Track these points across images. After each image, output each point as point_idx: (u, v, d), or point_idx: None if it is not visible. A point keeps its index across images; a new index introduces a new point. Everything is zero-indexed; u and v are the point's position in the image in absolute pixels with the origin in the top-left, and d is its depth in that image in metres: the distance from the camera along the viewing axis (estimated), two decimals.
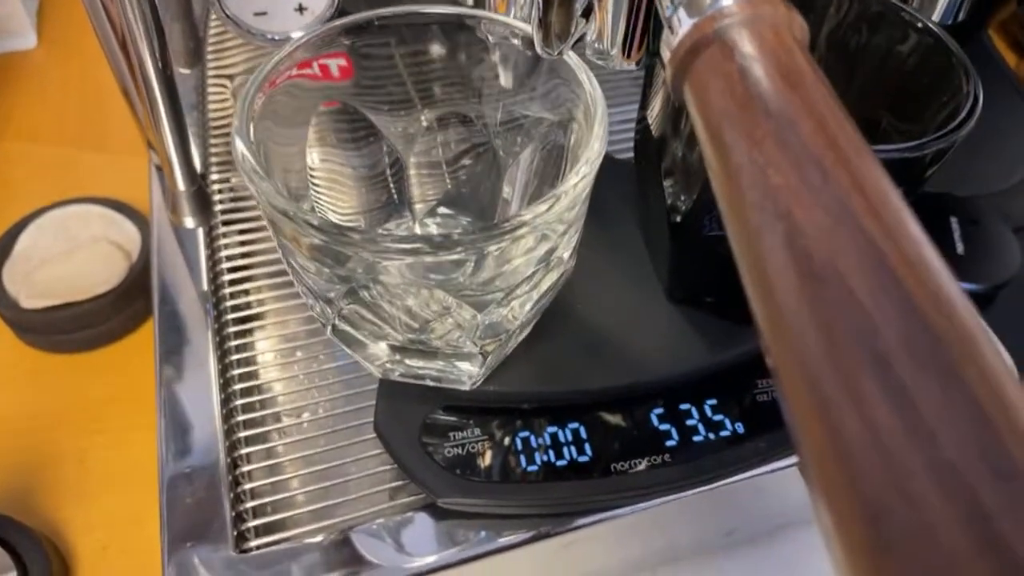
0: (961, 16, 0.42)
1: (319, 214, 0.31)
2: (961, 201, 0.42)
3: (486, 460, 0.31)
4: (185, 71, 0.46)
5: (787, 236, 0.15)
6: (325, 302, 0.26)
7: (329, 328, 0.28)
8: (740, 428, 0.32)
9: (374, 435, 0.32)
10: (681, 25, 0.19)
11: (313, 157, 0.32)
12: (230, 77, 0.45)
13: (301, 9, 0.37)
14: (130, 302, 0.47)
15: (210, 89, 0.46)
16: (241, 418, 0.35)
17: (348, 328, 0.27)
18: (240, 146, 0.24)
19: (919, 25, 0.30)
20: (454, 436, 0.31)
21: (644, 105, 0.33)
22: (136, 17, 0.28)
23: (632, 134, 0.39)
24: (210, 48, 0.48)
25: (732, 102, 0.17)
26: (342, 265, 0.24)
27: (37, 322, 0.46)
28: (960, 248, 0.39)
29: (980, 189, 0.44)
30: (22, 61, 0.64)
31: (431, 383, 0.31)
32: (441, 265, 0.24)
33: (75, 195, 0.51)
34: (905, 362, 0.13)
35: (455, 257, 0.23)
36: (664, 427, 0.32)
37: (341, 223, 0.23)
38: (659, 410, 0.32)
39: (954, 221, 0.41)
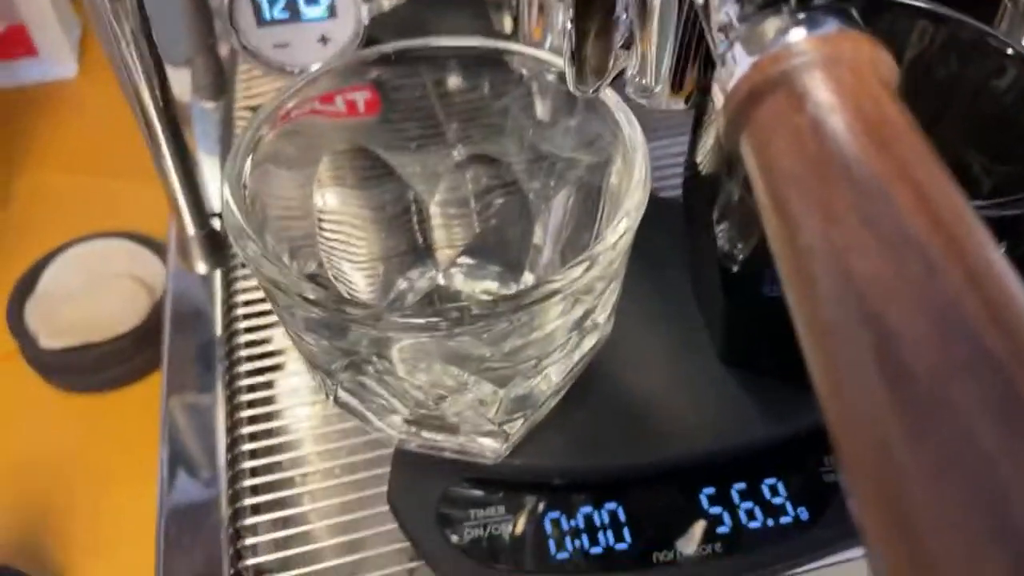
0: None
1: (328, 264, 0.28)
2: None
3: (510, 544, 0.27)
4: (209, 105, 0.44)
5: (878, 348, 0.12)
6: (325, 373, 0.23)
7: (331, 399, 0.25)
8: (803, 513, 0.28)
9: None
10: (738, 64, 0.16)
11: (325, 199, 0.29)
12: (254, 109, 0.43)
13: (324, 40, 0.35)
14: (152, 341, 0.45)
15: (237, 123, 0.44)
16: (248, 481, 0.32)
17: (353, 401, 0.24)
18: (227, 194, 0.21)
19: (1019, 56, 0.25)
20: (475, 514, 0.28)
21: (694, 141, 0.30)
22: (133, 53, 0.26)
23: (679, 168, 0.35)
24: (240, 79, 0.46)
25: (803, 164, 0.14)
26: (343, 338, 0.21)
27: (57, 362, 0.44)
28: None
29: None
30: (62, 90, 0.63)
31: (451, 455, 0.28)
32: (459, 341, 0.20)
33: (107, 226, 0.50)
34: None
35: (475, 334, 0.19)
36: (715, 511, 0.28)
37: (345, 294, 0.20)
38: (709, 490, 0.29)
39: None
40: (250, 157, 0.23)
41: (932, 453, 0.11)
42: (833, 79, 0.14)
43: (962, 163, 0.27)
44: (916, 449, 0.11)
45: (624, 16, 0.22)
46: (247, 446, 0.33)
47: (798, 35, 0.15)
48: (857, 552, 0.28)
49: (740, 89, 0.15)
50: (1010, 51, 0.26)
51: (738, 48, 0.16)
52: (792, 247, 0.14)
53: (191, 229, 0.33)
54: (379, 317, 0.19)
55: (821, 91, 0.14)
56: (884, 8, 0.28)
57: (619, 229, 0.21)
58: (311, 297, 0.19)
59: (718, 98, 0.16)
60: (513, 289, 0.32)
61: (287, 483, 0.32)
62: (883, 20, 0.28)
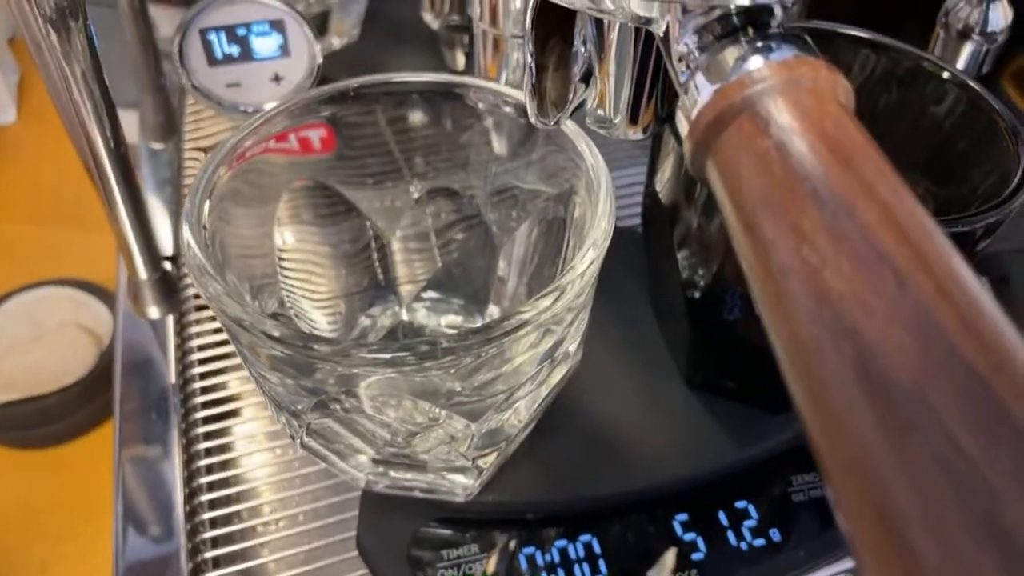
0: (985, 69, 0.39)
1: (289, 303, 0.27)
2: (989, 258, 0.38)
3: None
4: (158, 146, 0.43)
5: (857, 361, 0.12)
6: (291, 414, 0.23)
7: (298, 444, 0.24)
8: (776, 535, 0.28)
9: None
10: (700, 92, 0.16)
11: (284, 237, 0.28)
12: (206, 150, 0.42)
13: (278, 79, 0.35)
14: (99, 392, 0.44)
15: (186, 164, 0.43)
16: (207, 533, 0.31)
17: (319, 445, 0.24)
18: (188, 234, 0.21)
19: (957, 81, 0.27)
20: (447, 555, 0.27)
21: (652, 171, 0.30)
22: (83, 94, 0.25)
23: (636, 197, 0.36)
24: (188, 120, 0.45)
25: (771, 185, 0.14)
26: (309, 376, 0.20)
27: (0, 417, 0.42)
28: None
29: (1006, 245, 0.41)
30: (0, 136, 0.61)
31: (420, 495, 0.27)
32: (428, 375, 0.20)
33: (49, 274, 0.48)
34: None
35: (445, 368, 0.19)
36: (689, 537, 0.28)
37: (309, 332, 0.19)
38: (683, 517, 0.28)
39: (984, 280, 0.37)
40: (208, 197, 0.23)
41: (917, 461, 0.11)
42: (794, 103, 0.15)
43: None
44: (901, 458, 0.11)
45: (583, 49, 0.22)
46: (205, 496, 0.32)
47: (757, 62, 0.16)
48: (831, 570, 0.29)
49: (704, 116, 0.16)
50: (946, 75, 0.27)
51: (700, 77, 0.16)
52: (766, 268, 0.14)
53: (143, 273, 0.32)
54: (346, 353, 0.19)
55: (784, 115, 0.15)
56: (828, 38, 0.29)
57: (587, 258, 0.21)
58: (275, 334, 0.19)
59: (683, 126, 0.17)
60: (478, 322, 0.31)
61: (249, 533, 0.31)
62: (828, 50, 0.29)
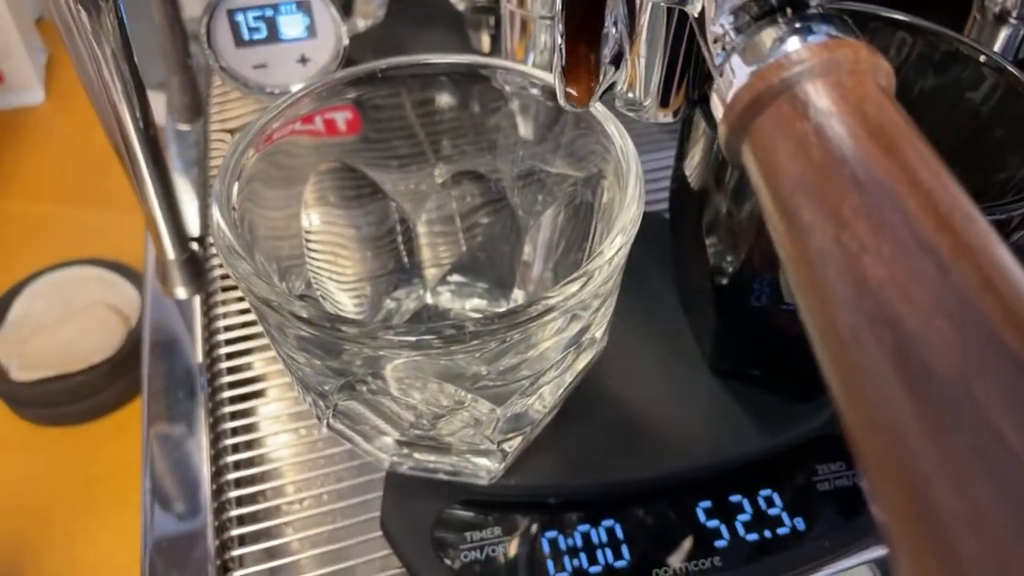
0: (1022, 53, 0.38)
1: (316, 284, 0.28)
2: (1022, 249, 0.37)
3: (507, 565, 0.27)
4: (184, 127, 0.43)
5: (897, 351, 0.12)
6: (318, 395, 0.23)
7: (324, 425, 0.24)
8: (800, 524, 0.28)
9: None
10: (736, 74, 0.16)
11: (311, 219, 0.28)
12: (232, 132, 0.42)
13: (304, 60, 0.35)
14: (127, 371, 0.44)
15: (212, 145, 0.43)
16: (234, 511, 0.31)
17: (345, 427, 0.24)
18: (217, 215, 0.21)
19: (995, 66, 0.26)
20: (471, 537, 0.27)
21: (681, 155, 0.30)
22: (113, 75, 0.25)
23: (663, 182, 0.35)
24: (214, 101, 0.45)
25: (809, 170, 0.14)
26: (336, 358, 0.20)
27: (29, 395, 0.43)
28: None
29: None
30: (29, 117, 0.62)
31: (444, 477, 0.27)
32: (454, 359, 0.20)
33: (77, 254, 0.48)
34: None
35: (470, 352, 0.19)
36: (712, 524, 0.28)
37: (336, 313, 0.19)
38: (706, 504, 0.28)
39: None
40: (237, 179, 0.23)
41: (958, 454, 0.11)
42: (834, 85, 0.14)
43: None
44: (942, 451, 0.11)
45: (613, 30, 0.22)
46: (232, 475, 0.32)
47: (795, 43, 0.15)
48: (854, 560, 0.28)
49: (741, 99, 0.15)
50: (984, 59, 0.26)
51: (736, 59, 0.16)
52: (803, 254, 0.14)
53: (171, 254, 0.32)
54: (373, 335, 0.19)
55: (823, 97, 0.14)
56: (863, 20, 0.28)
57: (615, 244, 0.21)
58: (303, 315, 0.19)
59: (718, 109, 0.16)
60: (503, 307, 0.31)
61: (274, 512, 0.31)
62: (862, 32, 0.28)
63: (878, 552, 0.28)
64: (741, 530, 0.28)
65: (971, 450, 0.11)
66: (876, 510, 0.12)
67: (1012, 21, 0.37)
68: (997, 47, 0.37)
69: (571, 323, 0.22)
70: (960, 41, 0.27)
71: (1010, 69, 0.26)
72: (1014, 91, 0.26)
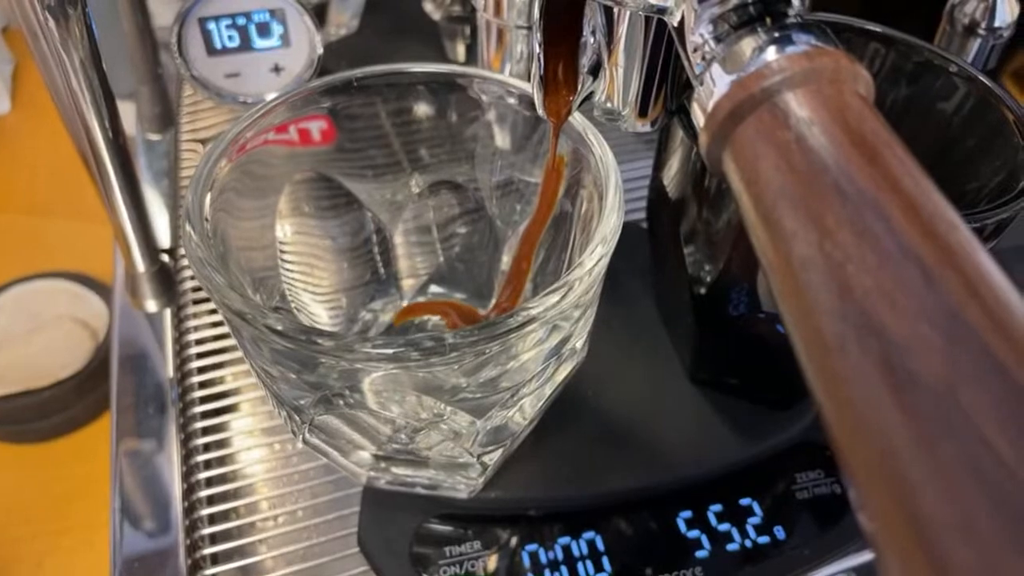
0: (991, 64, 0.39)
1: (291, 296, 0.27)
2: (996, 255, 0.38)
3: None
4: (155, 137, 0.42)
5: (883, 359, 0.12)
6: (293, 409, 0.22)
7: (299, 439, 0.24)
8: (780, 532, 0.28)
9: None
10: (717, 84, 0.16)
11: (285, 229, 0.28)
12: (204, 142, 0.42)
13: (277, 70, 0.34)
14: (95, 386, 0.43)
15: (183, 155, 0.42)
16: (206, 529, 0.30)
17: (321, 442, 0.23)
18: (189, 226, 0.20)
19: (967, 76, 0.26)
20: (450, 551, 0.27)
21: (659, 165, 0.30)
22: (82, 83, 0.25)
23: (641, 192, 0.35)
24: (185, 111, 0.44)
25: (792, 178, 0.14)
26: (312, 371, 0.20)
27: None
28: None
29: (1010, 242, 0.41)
30: None
31: (423, 491, 0.27)
32: (433, 371, 0.20)
33: (44, 267, 0.47)
34: None
35: (450, 364, 0.19)
36: (693, 534, 0.28)
37: (312, 326, 0.19)
38: (686, 514, 0.28)
39: None
40: (209, 189, 0.22)
41: (947, 462, 0.11)
42: (815, 94, 0.14)
43: None
44: (930, 459, 0.11)
45: (591, 40, 0.22)
46: (204, 492, 0.31)
47: (775, 53, 0.15)
48: (834, 568, 0.28)
49: (722, 108, 0.15)
50: (956, 69, 0.27)
51: (716, 68, 0.16)
52: (787, 262, 0.13)
53: (141, 266, 0.31)
54: (350, 348, 0.18)
55: (804, 106, 0.14)
56: (836, 31, 0.28)
57: (595, 254, 0.21)
58: (278, 328, 0.18)
59: (699, 118, 0.16)
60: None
61: (248, 529, 0.30)
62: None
63: (859, 559, 0.28)
64: (722, 540, 0.28)
65: (960, 458, 0.10)
66: (864, 519, 0.12)
67: (981, 32, 0.37)
68: (969, 58, 0.38)
69: (551, 334, 0.22)
70: (932, 51, 0.27)
71: (981, 79, 0.26)
72: (985, 101, 0.26)
